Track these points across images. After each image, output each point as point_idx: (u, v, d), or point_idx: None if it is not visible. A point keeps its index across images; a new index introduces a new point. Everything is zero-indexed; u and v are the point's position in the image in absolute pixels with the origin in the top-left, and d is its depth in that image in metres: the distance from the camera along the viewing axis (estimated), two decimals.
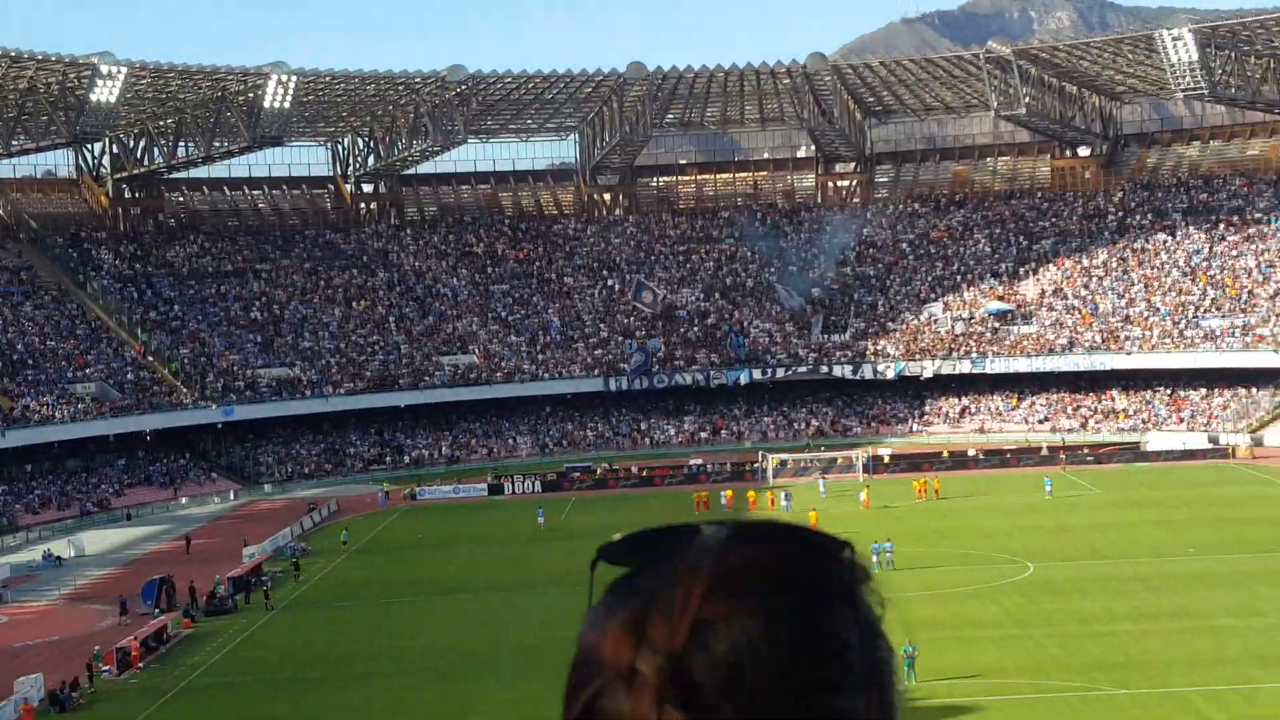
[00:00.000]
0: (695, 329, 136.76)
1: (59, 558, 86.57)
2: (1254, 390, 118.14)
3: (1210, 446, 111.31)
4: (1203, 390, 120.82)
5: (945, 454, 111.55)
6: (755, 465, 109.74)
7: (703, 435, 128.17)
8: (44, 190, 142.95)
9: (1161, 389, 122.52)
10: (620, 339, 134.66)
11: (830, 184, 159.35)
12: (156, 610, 67.41)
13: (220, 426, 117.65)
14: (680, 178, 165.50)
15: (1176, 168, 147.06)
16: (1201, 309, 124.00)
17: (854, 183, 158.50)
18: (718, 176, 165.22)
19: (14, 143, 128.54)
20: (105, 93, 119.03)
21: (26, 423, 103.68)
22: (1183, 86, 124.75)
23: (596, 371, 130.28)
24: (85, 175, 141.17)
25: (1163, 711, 43.82)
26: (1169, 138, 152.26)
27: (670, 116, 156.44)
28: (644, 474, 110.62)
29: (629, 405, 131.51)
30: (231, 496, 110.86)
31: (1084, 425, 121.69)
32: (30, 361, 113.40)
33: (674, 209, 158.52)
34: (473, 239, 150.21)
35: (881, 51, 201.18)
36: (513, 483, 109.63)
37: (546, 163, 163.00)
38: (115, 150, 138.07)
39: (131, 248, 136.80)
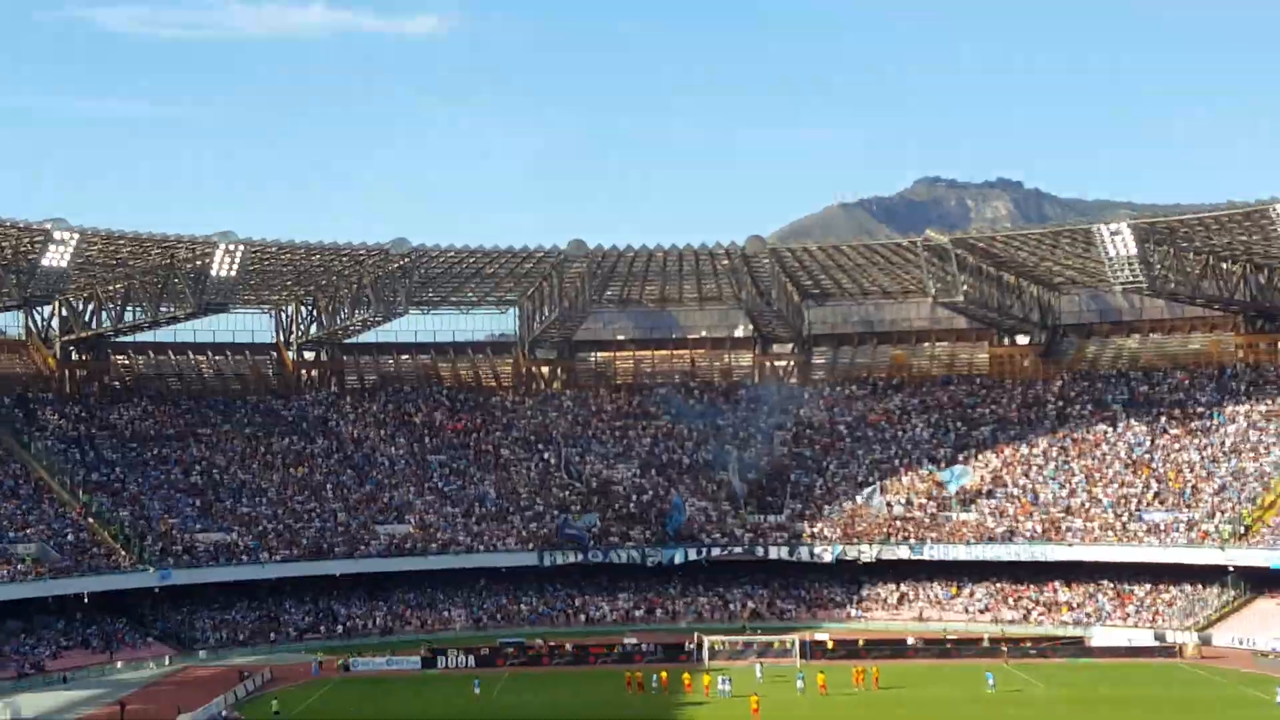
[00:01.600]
0: (631, 505, 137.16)
1: None
2: (1200, 586, 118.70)
3: (1157, 644, 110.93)
4: (1148, 585, 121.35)
5: (915, 639, 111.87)
6: (690, 646, 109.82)
7: (637, 613, 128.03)
8: None
9: (1105, 582, 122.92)
10: (555, 512, 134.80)
11: (767, 363, 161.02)
12: None
13: (157, 590, 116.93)
14: (618, 353, 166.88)
15: (1116, 359, 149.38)
16: (1144, 501, 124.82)
17: (791, 363, 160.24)
18: (655, 353, 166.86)
19: None
20: (57, 257, 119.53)
21: None
22: (1121, 280, 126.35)
23: (531, 545, 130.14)
24: (34, 336, 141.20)
25: None
26: (1108, 329, 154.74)
27: (609, 293, 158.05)
28: (577, 652, 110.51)
29: (563, 580, 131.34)
30: (166, 662, 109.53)
31: (1026, 617, 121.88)
32: None
33: (611, 384, 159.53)
34: (411, 408, 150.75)
35: (819, 234, 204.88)
36: (447, 656, 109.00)
37: (486, 335, 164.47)
38: (64, 313, 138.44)
39: (76, 409, 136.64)
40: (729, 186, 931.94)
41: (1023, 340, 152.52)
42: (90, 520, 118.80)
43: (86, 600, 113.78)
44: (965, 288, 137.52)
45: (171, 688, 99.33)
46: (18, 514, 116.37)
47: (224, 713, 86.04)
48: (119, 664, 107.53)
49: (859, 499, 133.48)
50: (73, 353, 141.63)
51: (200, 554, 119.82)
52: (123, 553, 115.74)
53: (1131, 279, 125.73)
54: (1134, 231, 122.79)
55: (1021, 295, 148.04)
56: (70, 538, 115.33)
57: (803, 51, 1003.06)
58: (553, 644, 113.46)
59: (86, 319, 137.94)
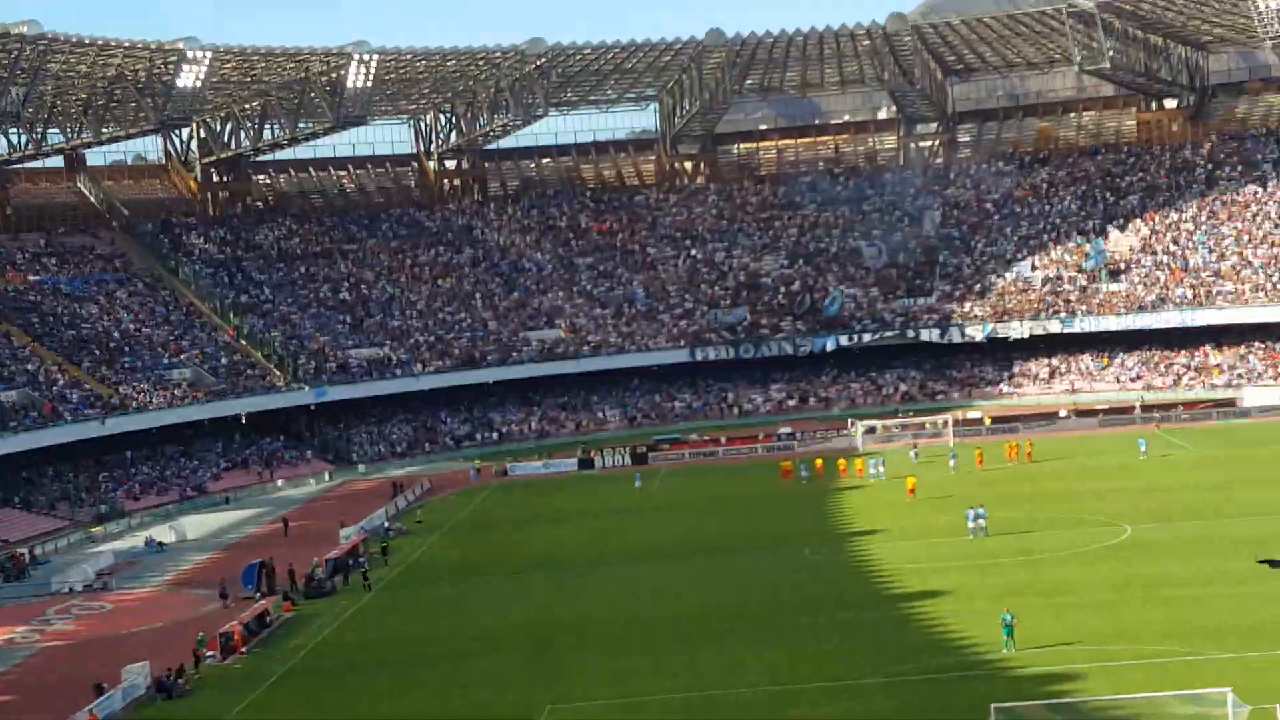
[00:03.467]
0: (780, 296, 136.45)
1: (161, 543, 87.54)
2: None
3: None
4: None
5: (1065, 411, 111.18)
6: (844, 432, 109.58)
7: (790, 403, 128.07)
8: (134, 177, 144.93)
9: (1256, 343, 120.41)
10: (705, 309, 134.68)
11: (913, 145, 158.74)
12: (257, 595, 68.02)
13: (313, 408, 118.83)
14: (761, 144, 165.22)
15: (1266, 117, 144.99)
16: None
17: (936, 143, 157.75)
18: (799, 141, 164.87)
19: (103, 130, 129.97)
20: (191, 78, 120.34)
21: (125, 410, 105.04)
22: (1271, 34, 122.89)
23: (682, 342, 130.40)
24: (173, 160, 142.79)
25: (1268, 678, 43.10)
26: (1258, 87, 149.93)
27: (750, 82, 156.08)
28: (732, 443, 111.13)
29: (715, 375, 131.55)
30: (326, 478, 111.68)
31: (1178, 382, 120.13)
32: (127, 349, 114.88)
33: (755, 176, 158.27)
34: (555, 212, 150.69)
35: (961, 7, 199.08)
36: (602, 456, 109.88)
37: (627, 132, 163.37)
38: (202, 135, 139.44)
39: (221, 231, 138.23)
40: None
41: (1171, 104, 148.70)
42: (243, 342, 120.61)
43: (244, 421, 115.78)
44: (1111, 53, 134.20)
45: (332, 502, 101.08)
46: (170, 339, 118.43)
47: (386, 524, 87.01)
48: (279, 482, 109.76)
49: (1009, 275, 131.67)
50: (214, 174, 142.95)
51: (354, 370, 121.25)
52: (277, 372, 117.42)
53: None
54: None
55: (1169, 57, 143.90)
56: (224, 360, 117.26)
57: None
58: (707, 437, 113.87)
59: (225, 139, 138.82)
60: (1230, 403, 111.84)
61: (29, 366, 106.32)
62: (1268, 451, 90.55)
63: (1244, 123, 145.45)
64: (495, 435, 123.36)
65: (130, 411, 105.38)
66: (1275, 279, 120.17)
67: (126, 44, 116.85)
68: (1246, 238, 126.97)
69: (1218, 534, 65.20)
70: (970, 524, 68.67)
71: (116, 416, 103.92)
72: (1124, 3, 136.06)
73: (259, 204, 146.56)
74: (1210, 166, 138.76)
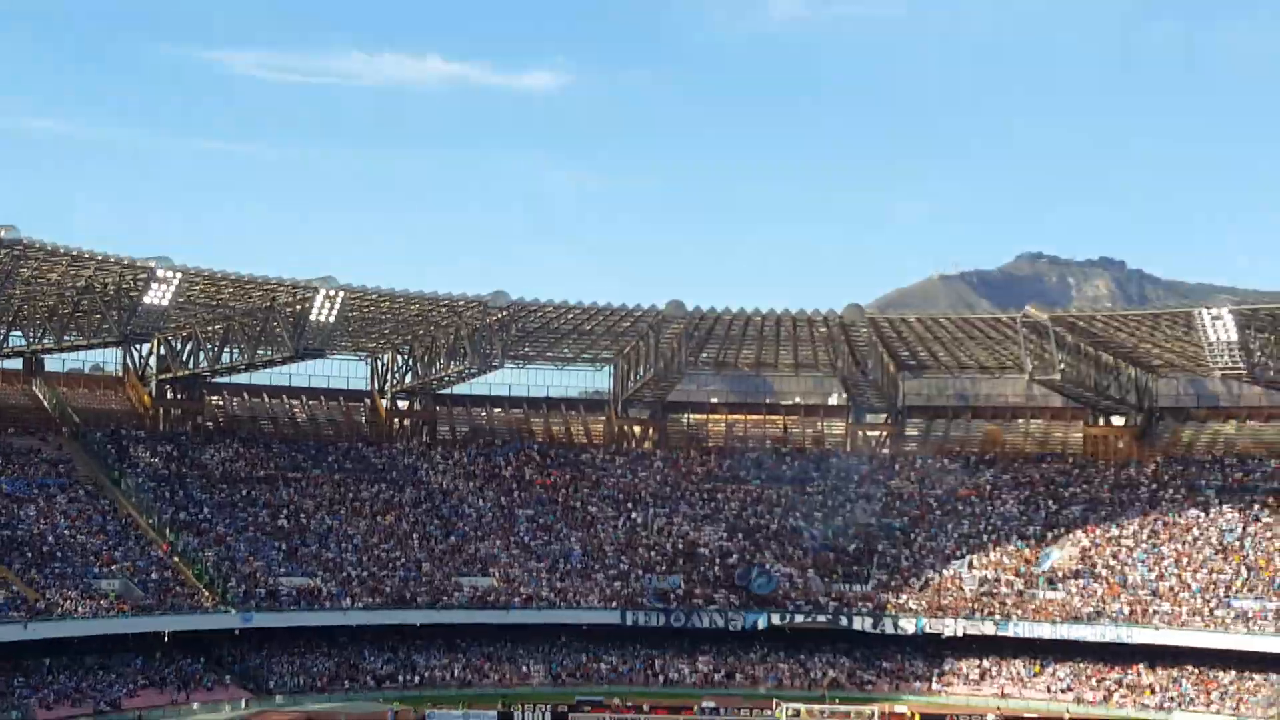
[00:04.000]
0: (716, 568, 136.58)
1: None
2: None
3: None
4: (1233, 672, 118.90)
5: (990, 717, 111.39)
6: (768, 713, 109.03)
7: (717, 676, 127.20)
8: (89, 385, 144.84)
9: (1190, 667, 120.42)
10: (640, 572, 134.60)
11: (860, 433, 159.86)
12: None
13: (238, 632, 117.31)
14: (711, 416, 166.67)
15: (1212, 444, 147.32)
16: (1234, 589, 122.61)
17: (884, 434, 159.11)
18: (748, 417, 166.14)
19: (65, 338, 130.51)
20: (158, 295, 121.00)
21: (49, 616, 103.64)
22: (1221, 365, 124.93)
23: (614, 603, 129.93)
24: (130, 374, 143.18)
25: None
26: (1204, 414, 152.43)
27: (705, 355, 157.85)
28: (655, 712, 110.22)
29: (644, 640, 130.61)
30: (243, 705, 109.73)
31: (1108, 698, 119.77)
32: (59, 554, 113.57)
33: (702, 446, 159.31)
34: (501, 461, 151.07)
35: (918, 306, 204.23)
36: (523, 711, 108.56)
37: (579, 391, 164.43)
38: (162, 351, 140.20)
39: (168, 447, 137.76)
40: (829, 254, 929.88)
41: (1118, 421, 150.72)
42: (176, 559, 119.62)
43: (167, 639, 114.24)
44: (1063, 366, 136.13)
45: None
46: (104, 549, 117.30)
47: None
48: (195, 705, 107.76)
49: (947, 571, 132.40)
50: (168, 391, 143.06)
51: (283, 598, 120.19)
52: (206, 593, 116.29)
53: (1231, 364, 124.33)
54: (1235, 317, 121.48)
55: (1119, 376, 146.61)
56: (155, 575, 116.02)
57: (907, 125, 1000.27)
58: (630, 703, 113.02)
59: (184, 358, 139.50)
60: None
61: None
62: None
63: (1190, 447, 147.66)
64: (417, 679, 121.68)
65: (54, 618, 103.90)
66: (1212, 605, 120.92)
67: (100, 257, 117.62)
68: (1186, 560, 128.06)
69: None
70: None
71: (39, 622, 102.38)
72: (1078, 319, 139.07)
73: (209, 424, 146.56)
74: (1154, 487, 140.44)
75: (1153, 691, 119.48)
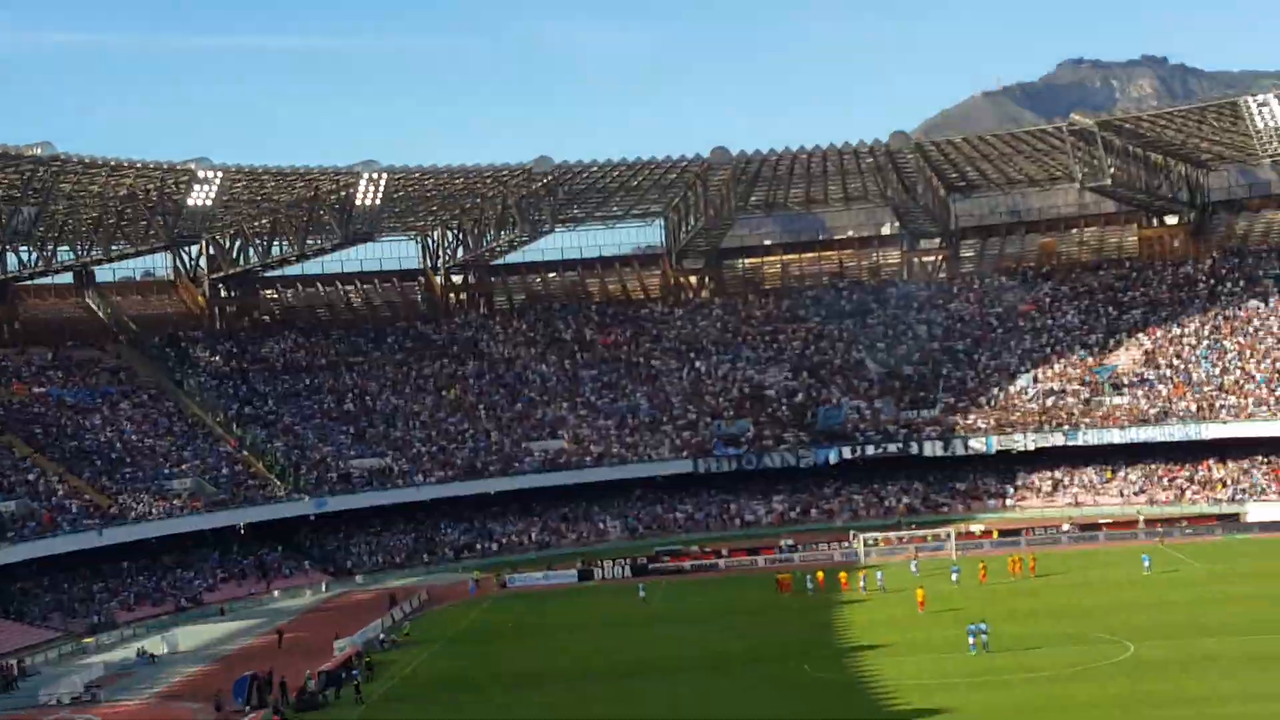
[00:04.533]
0: (783, 408, 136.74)
1: (153, 655, 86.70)
2: None
3: None
4: None
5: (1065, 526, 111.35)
6: (847, 544, 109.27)
7: (793, 514, 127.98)
8: (142, 292, 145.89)
9: (1260, 458, 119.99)
10: (709, 420, 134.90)
11: (916, 260, 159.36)
12: (248, 708, 67.57)
13: (313, 518, 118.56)
14: (765, 259, 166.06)
15: (1267, 233, 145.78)
16: None
17: (939, 258, 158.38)
18: (803, 256, 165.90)
19: (113, 247, 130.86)
20: (202, 196, 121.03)
21: (123, 520, 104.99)
22: (1270, 151, 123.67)
23: (685, 453, 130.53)
24: (182, 276, 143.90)
25: None
26: (1258, 204, 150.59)
27: (754, 198, 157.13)
28: (728, 554, 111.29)
29: (718, 486, 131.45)
30: (324, 588, 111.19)
31: (1181, 496, 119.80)
32: (128, 460, 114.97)
33: (760, 290, 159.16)
34: (561, 325, 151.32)
35: (963, 125, 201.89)
36: (602, 568, 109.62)
37: (632, 248, 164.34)
38: (211, 251, 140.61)
39: (227, 345, 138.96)
40: (870, 82, 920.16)
41: (1172, 220, 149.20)
42: (245, 453, 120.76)
43: (243, 531, 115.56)
44: (1112, 170, 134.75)
45: (329, 613, 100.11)
46: (172, 450, 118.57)
47: (381, 636, 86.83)
48: (275, 593, 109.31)
49: (1013, 387, 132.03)
50: (221, 290, 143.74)
51: (355, 480, 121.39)
52: (278, 483, 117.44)
53: None
54: None
55: (1169, 174, 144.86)
56: (225, 471, 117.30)
57: None
58: (709, 549, 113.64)
59: (234, 256, 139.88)
60: (1234, 517, 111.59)
61: (29, 477, 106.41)
62: (1272, 566, 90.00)
63: (1245, 239, 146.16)
64: (495, 546, 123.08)
65: (128, 522, 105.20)
66: (1278, 393, 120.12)
67: (139, 164, 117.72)
68: (1249, 352, 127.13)
69: (1225, 651, 64.50)
70: (971, 639, 68.19)
71: (114, 527, 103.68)
72: (1124, 121, 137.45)
73: (266, 318, 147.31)
74: (1212, 282, 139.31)
75: (1224, 485, 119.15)
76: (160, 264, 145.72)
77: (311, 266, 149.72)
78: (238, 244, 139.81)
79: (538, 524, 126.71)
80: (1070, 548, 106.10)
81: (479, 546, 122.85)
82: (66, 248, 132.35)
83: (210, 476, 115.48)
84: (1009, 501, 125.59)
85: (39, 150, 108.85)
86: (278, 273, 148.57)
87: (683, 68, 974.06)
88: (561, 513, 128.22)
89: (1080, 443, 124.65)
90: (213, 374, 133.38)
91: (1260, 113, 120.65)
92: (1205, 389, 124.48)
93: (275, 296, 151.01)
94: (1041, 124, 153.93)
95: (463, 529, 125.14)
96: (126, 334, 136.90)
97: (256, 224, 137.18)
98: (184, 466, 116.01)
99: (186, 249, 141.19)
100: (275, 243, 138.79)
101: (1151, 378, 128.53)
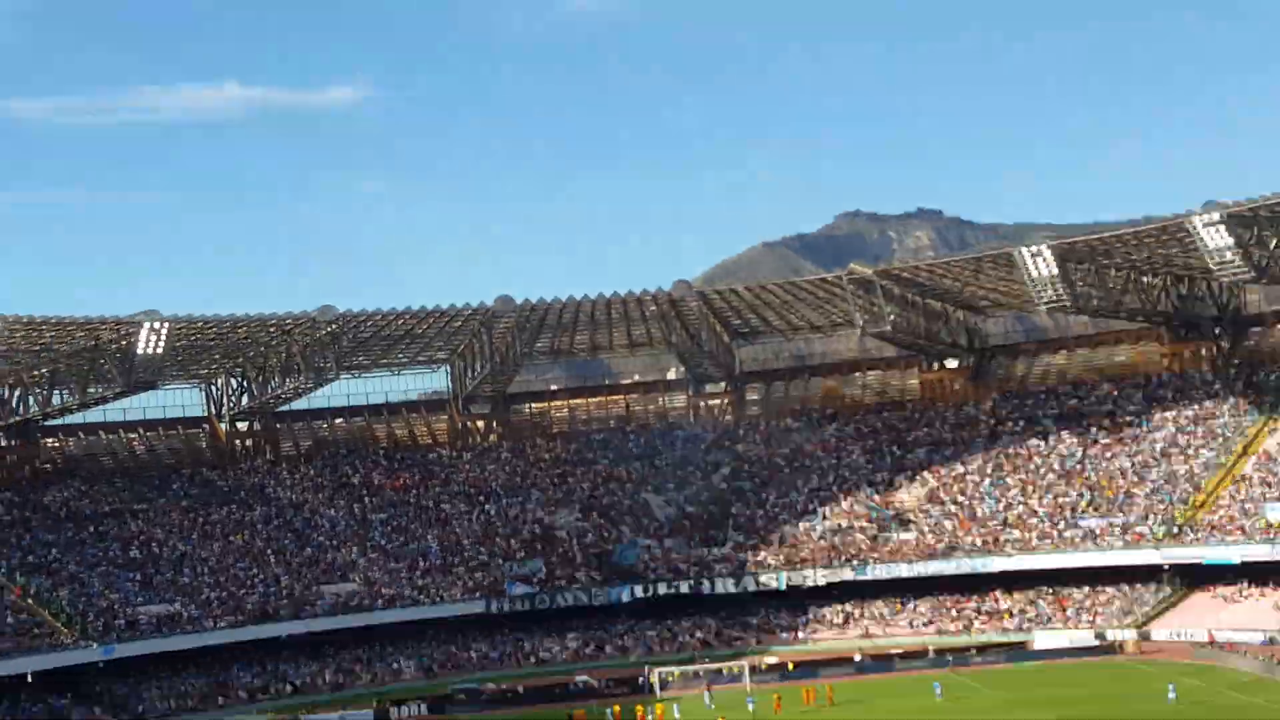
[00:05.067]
0: (575, 548, 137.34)
1: None
2: (1137, 586, 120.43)
3: (1098, 643, 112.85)
4: (1086, 588, 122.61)
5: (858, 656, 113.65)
6: (643, 679, 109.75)
7: (587, 651, 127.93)
8: None
9: (1045, 588, 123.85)
10: (500, 561, 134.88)
11: (702, 403, 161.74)
12: None
13: (102, 665, 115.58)
14: (553, 403, 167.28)
15: (1045, 376, 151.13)
16: (1079, 509, 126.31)
17: (725, 401, 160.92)
18: (590, 400, 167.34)
19: None
20: None
21: None
22: (1045, 300, 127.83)
23: (478, 594, 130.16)
24: None
25: None
26: (1035, 348, 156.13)
27: (540, 345, 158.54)
28: (530, 692, 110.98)
29: (512, 625, 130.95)
30: None
31: (969, 627, 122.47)
32: None
33: (548, 433, 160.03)
34: (349, 470, 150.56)
35: (745, 274, 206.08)
36: (401, 708, 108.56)
37: (419, 393, 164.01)
38: None
39: (8, 494, 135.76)
40: (653, 232, 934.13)
41: (952, 364, 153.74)
42: (29, 601, 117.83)
43: (31, 680, 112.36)
44: (892, 317, 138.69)
45: None
46: None
47: None
48: None
49: (801, 526, 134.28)
50: (1, 439, 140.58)
51: (144, 627, 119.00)
52: (64, 630, 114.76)
53: (1055, 298, 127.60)
54: (1054, 252, 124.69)
55: (948, 320, 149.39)
56: (10, 620, 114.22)
57: (712, 101, 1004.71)
58: (505, 687, 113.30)
59: (14, 405, 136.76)
60: (1021, 645, 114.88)
61: None
62: (1056, 692, 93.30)
63: (1023, 381, 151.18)
64: (290, 688, 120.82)
65: None
66: (1060, 527, 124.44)
67: None
68: (1031, 488, 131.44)
69: None
70: None
71: None
72: (902, 271, 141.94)
73: (48, 466, 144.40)
74: (993, 422, 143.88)
75: (1011, 615, 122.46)
76: None
77: (94, 414, 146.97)
78: (17, 393, 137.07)
79: (332, 665, 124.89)
80: (863, 678, 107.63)
81: (273, 689, 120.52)
82: None
83: None
84: (801, 634, 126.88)
85: None
86: (59, 421, 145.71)
87: (467, 217, 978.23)
88: (355, 654, 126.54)
89: (870, 577, 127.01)
90: None
91: (1034, 262, 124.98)
92: (990, 523, 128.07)
93: (57, 445, 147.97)
94: (821, 273, 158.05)
95: (255, 672, 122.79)
96: None
97: (36, 373, 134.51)
98: None
99: None
100: (56, 391, 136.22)
101: (937, 514, 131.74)
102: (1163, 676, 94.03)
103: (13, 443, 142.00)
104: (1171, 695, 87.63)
